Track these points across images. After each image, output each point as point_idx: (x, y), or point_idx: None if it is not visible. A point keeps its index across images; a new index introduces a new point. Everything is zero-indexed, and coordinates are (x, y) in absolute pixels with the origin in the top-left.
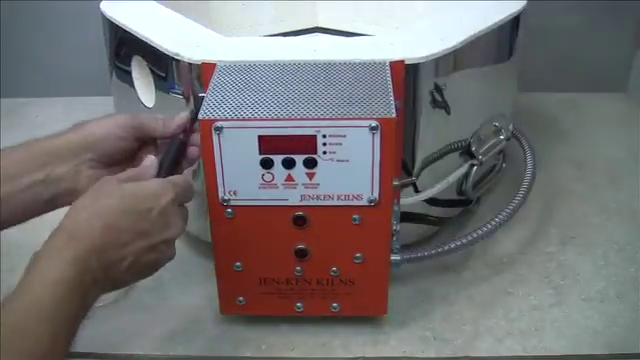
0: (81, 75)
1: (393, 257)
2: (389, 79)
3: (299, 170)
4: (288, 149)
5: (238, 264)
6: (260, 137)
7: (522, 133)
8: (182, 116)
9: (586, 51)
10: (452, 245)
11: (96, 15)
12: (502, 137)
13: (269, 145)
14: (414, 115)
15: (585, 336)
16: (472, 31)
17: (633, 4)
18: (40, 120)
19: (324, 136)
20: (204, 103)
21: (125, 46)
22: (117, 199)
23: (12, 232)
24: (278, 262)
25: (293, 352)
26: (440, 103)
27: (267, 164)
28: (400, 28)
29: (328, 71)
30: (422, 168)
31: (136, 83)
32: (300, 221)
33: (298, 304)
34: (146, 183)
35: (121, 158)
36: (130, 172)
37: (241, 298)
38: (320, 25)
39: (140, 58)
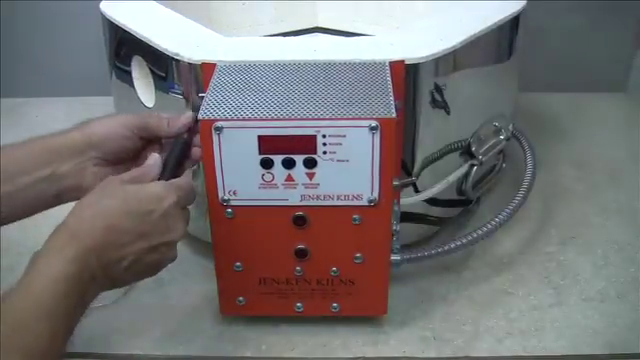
0: (81, 75)
1: (393, 257)
2: (389, 79)
3: (299, 170)
4: (288, 149)
5: (238, 264)
6: (260, 137)
7: (522, 133)
8: (187, 115)
9: (586, 51)
10: (452, 245)
11: (96, 15)
12: (502, 137)
13: (269, 145)
14: (414, 115)
15: (585, 336)
16: (472, 31)
17: (633, 4)
18: (40, 120)
19: (324, 136)
20: (204, 103)
21: (125, 46)
22: (120, 200)
23: (12, 231)
24: (278, 262)
25: (293, 352)
26: (440, 103)
27: (267, 164)
28: (400, 28)
29: (328, 71)
30: (422, 168)
31: (136, 83)
32: (300, 221)
33: (298, 304)
34: (150, 185)
35: (125, 157)
36: (134, 172)
37: (241, 298)
38: (320, 25)
39: (140, 58)
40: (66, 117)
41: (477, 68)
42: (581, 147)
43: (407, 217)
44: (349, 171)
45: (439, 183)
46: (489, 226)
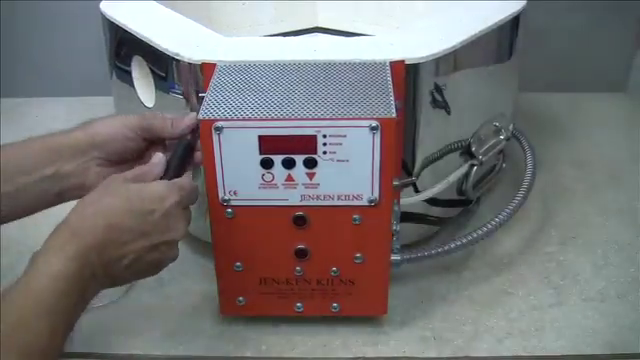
0: (81, 75)
1: (393, 257)
2: (389, 79)
3: (299, 170)
4: (288, 149)
5: (238, 264)
6: (260, 137)
7: (522, 133)
8: (191, 117)
9: (586, 51)
10: (452, 245)
11: (96, 15)
12: (502, 137)
13: (269, 145)
14: (414, 115)
15: (585, 336)
16: (472, 31)
17: (633, 4)
18: (40, 120)
19: (324, 136)
20: (204, 103)
21: (125, 46)
22: (122, 199)
23: (12, 229)
24: (278, 262)
25: (293, 352)
26: (440, 103)
27: (267, 164)
28: (400, 28)
29: (328, 71)
30: (422, 168)
31: (136, 83)
32: (300, 221)
33: (298, 304)
34: (152, 185)
35: (129, 157)
36: (137, 170)
37: (241, 298)
38: (320, 25)
39: (140, 58)
40: (66, 117)
41: (477, 68)
42: (581, 147)
43: (407, 217)
44: (349, 171)
45: (439, 183)
46: (489, 226)
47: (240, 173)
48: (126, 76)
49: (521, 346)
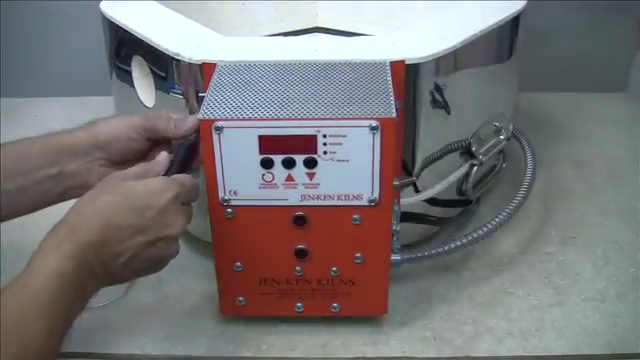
0: (81, 75)
1: (393, 257)
2: (389, 79)
3: (299, 170)
4: (288, 149)
5: (238, 264)
6: (260, 137)
7: (522, 133)
8: (194, 118)
9: (586, 51)
10: (452, 245)
11: (96, 15)
12: (502, 137)
13: (269, 145)
14: (414, 115)
15: (585, 336)
16: (472, 31)
17: (633, 4)
18: (39, 120)
19: (324, 136)
20: (204, 103)
21: (125, 46)
22: (120, 196)
23: (12, 229)
24: (278, 262)
25: (293, 352)
26: (440, 103)
27: (267, 164)
28: (400, 28)
29: (328, 71)
30: (422, 168)
31: (136, 83)
32: (300, 221)
33: (298, 304)
34: (150, 181)
35: (132, 157)
36: (138, 167)
37: (241, 298)
38: (320, 25)
39: (140, 58)
40: (66, 117)
41: (477, 68)
42: (581, 147)
43: (407, 217)
44: (349, 171)
45: (439, 183)
46: (489, 226)
47: (240, 173)
48: (126, 76)
49: (521, 346)
